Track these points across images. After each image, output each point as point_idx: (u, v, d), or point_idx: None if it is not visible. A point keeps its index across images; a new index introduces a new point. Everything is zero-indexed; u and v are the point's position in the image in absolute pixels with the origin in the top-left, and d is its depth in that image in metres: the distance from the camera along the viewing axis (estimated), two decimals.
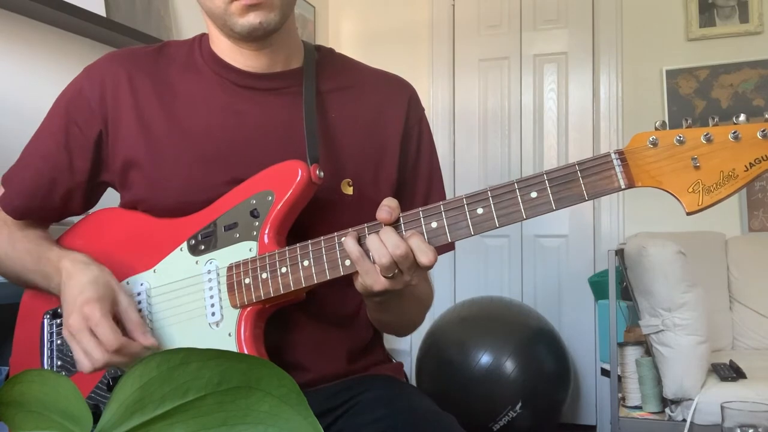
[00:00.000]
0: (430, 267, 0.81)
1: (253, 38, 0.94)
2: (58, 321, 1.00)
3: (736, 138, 0.72)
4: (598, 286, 2.88)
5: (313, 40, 3.40)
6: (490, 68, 3.42)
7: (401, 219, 0.82)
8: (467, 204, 0.79)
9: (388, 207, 0.81)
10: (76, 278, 0.90)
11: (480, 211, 0.79)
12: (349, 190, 0.97)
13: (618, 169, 0.75)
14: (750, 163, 0.71)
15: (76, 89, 1.01)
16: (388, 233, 0.80)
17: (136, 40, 2.06)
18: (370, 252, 0.80)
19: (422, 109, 1.09)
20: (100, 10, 2.02)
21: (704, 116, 3.01)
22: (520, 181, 0.78)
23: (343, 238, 0.82)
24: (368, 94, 1.04)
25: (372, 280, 0.81)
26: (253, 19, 0.90)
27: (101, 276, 0.90)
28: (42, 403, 0.43)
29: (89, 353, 0.84)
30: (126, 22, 2.10)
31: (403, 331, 1.07)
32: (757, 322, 2.68)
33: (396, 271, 0.80)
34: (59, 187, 1.01)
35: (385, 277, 0.80)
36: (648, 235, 2.75)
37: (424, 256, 0.79)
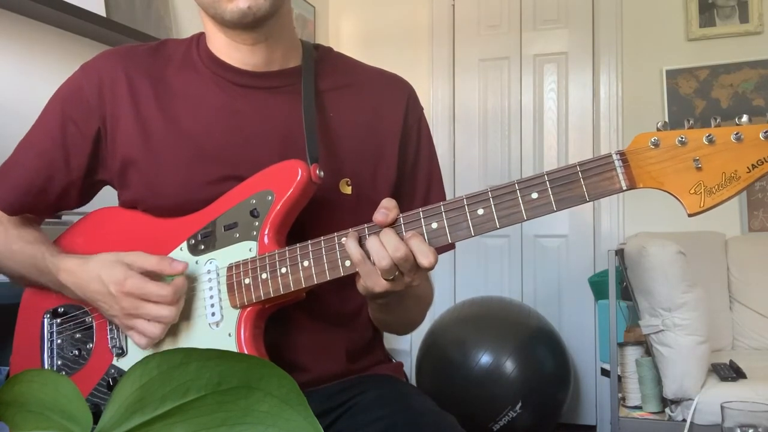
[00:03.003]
0: (430, 268, 0.80)
1: (243, 25, 0.93)
2: (58, 321, 1.00)
3: (738, 139, 0.71)
4: (598, 286, 2.88)
5: (313, 40, 3.40)
6: (490, 68, 3.42)
7: (401, 219, 0.81)
8: (468, 204, 0.79)
9: (385, 209, 0.81)
10: (87, 278, 0.91)
11: (481, 211, 0.79)
12: (348, 190, 0.97)
13: (619, 170, 0.75)
14: (752, 165, 0.71)
15: (72, 87, 1.01)
16: (388, 235, 0.80)
17: (135, 40, 2.06)
18: (371, 254, 0.80)
19: (421, 109, 1.09)
20: (100, 10, 2.02)
21: (704, 116, 3.01)
22: (521, 182, 0.78)
23: (344, 240, 0.82)
24: (367, 94, 1.04)
25: (373, 282, 0.81)
26: (242, 4, 0.90)
27: (103, 258, 0.91)
28: (42, 403, 0.43)
29: (159, 317, 0.86)
30: (126, 22, 2.10)
31: (404, 330, 1.07)
32: (757, 322, 2.68)
33: (396, 273, 0.80)
34: (55, 184, 1.01)
35: (385, 279, 0.80)
36: (648, 235, 2.75)
37: (424, 257, 0.78)
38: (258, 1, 0.90)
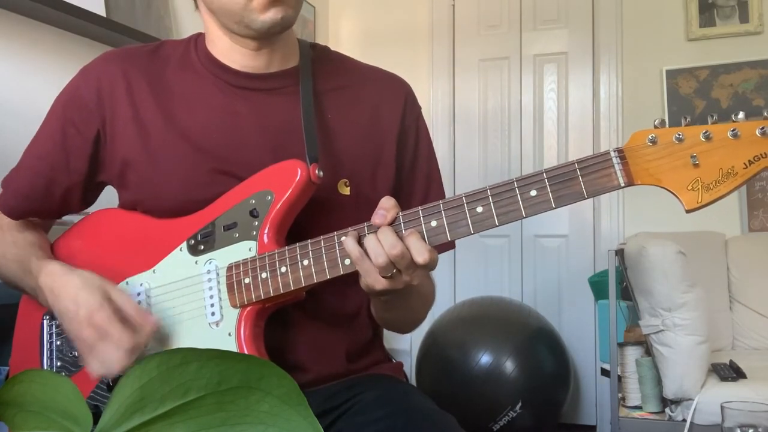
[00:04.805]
0: (427, 266, 0.80)
1: (269, 35, 0.94)
2: (57, 322, 1.00)
3: (735, 135, 0.72)
4: (598, 286, 2.88)
5: (313, 40, 3.39)
6: (490, 68, 3.42)
7: (401, 218, 0.82)
8: (467, 203, 0.79)
9: (383, 210, 0.81)
10: (64, 292, 0.89)
11: (480, 209, 0.79)
12: (346, 191, 0.97)
13: (617, 167, 0.75)
14: (749, 161, 0.71)
15: (72, 90, 1.01)
16: (385, 233, 0.80)
17: (136, 40, 2.06)
18: (368, 252, 0.80)
19: (419, 108, 1.08)
20: (100, 10, 2.02)
21: (704, 116, 2.99)
22: (519, 180, 0.78)
23: (342, 238, 0.83)
24: (365, 94, 1.04)
25: (372, 279, 0.81)
26: (274, 15, 0.90)
27: (88, 279, 0.89)
28: (42, 403, 0.43)
29: (109, 361, 0.84)
30: (126, 22, 2.10)
31: (407, 327, 1.07)
32: (757, 322, 2.68)
33: (394, 270, 0.80)
34: (57, 186, 1.01)
35: (383, 277, 0.80)
36: (648, 235, 2.75)
37: (419, 255, 0.79)
38: (288, 12, 0.91)
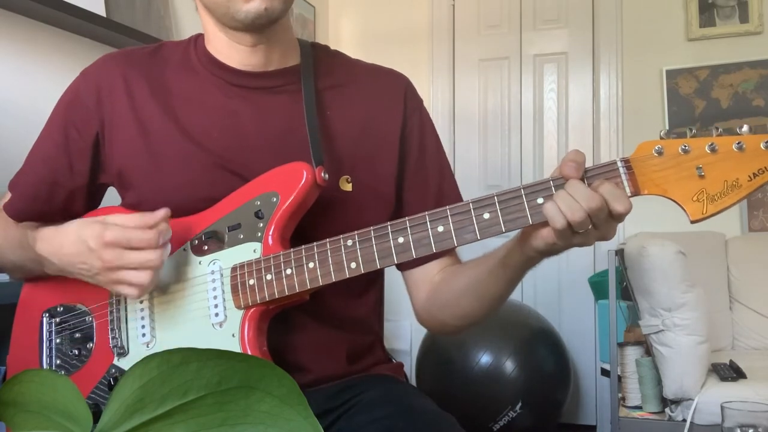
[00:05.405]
0: (623, 216, 0.75)
1: (255, 27, 0.93)
2: (57, 320, 1.00)
3: (740, 148, 0.73)
4: (598, 286, 2.88)
5: (313, 40, 3.40)
6: (490, 68, 3.42)
7: (407, 222, 0.82)
8: (474, 209, 0.79)
9: (574, 162, 0.75)
10: (65, 241, 0.90)
11: (486, 216, 0.79)
12: (348, 187, 0.97)
13: (624, 177, 0.76)
14: (753, 173, 0.72)
15: (73, 92, 1.02)
16: (576, 186, 0.74)
17: (135, 40, 2.06)
18: (561, 208, 0.74)
19: (420, 99, 1.08)
20: (100, 10, 2.02)
21: (704, 117, 3.01)
22: (526, 187, 0.78)
23: (539, 200, 0.76)
24: (364, 90, 1.04)
25: (565, 240, 0.76)
26: (258, 5, 0.89)
27: (80, 221, 0.90)
28: (42, 403, 0.43)
29: (145, 262, 0.84)
30: (126, 22, 2.10)
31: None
32: (757, 322, 2.68)
33: (590, 226, 0.74)
34: (61, 189, 1.01)
35: (575, 233, 0.75)
36: (648, 235, 2.75)
37: (619, 203, 0.73)
38: (273, 3, 0.90)
